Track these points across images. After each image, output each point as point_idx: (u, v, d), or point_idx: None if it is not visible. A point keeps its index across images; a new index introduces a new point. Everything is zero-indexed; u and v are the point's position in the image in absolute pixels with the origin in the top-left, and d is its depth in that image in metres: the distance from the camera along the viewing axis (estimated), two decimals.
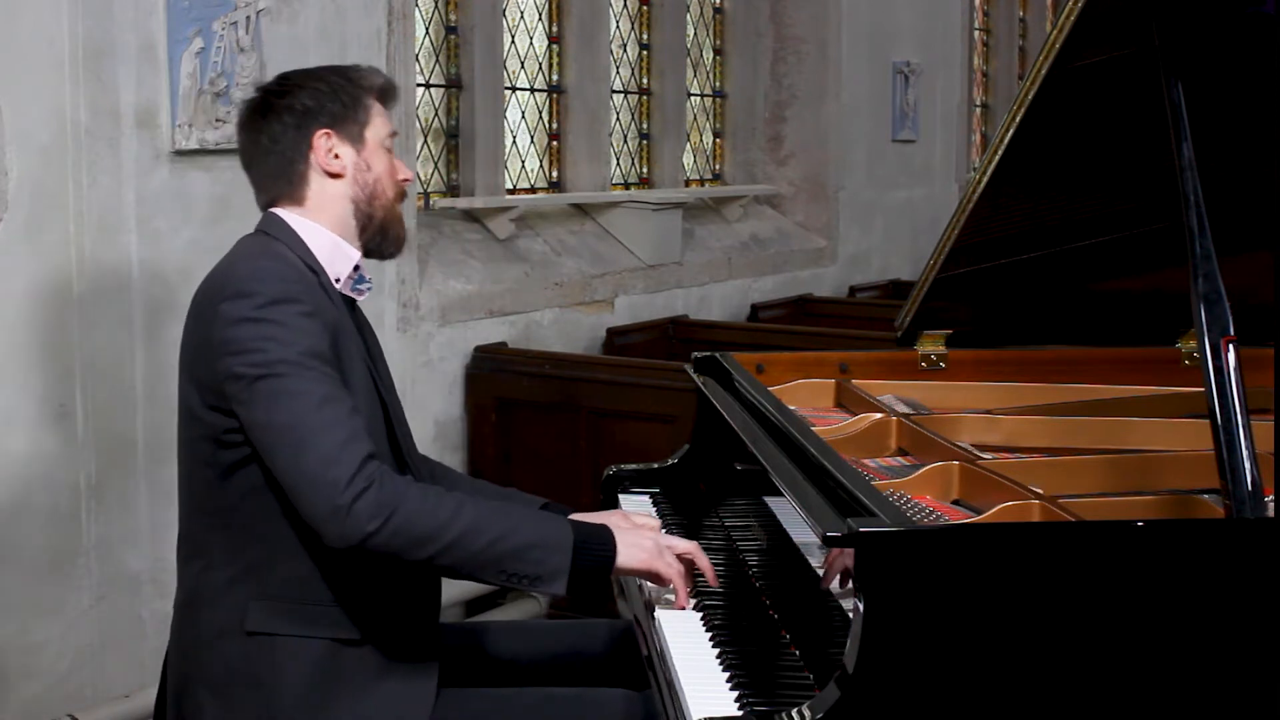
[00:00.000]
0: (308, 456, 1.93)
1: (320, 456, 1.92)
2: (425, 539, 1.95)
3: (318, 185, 2.16)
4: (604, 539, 2.08)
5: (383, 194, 2.19)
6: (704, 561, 2.15)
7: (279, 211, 2.17)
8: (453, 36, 5.08)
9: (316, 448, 1.92)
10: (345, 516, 1.91)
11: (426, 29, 4.97)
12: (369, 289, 2.23)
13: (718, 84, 6.61)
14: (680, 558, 2.13)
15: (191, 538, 2.13)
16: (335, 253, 2.16)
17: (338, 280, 2.16)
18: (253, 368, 1.96)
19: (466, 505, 1.99)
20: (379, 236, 2.21)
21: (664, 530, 2.45)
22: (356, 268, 2.18)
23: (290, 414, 1.94)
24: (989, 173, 2.54)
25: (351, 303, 2.20)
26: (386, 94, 2.22)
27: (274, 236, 2.14)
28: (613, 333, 5.26)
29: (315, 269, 2.11)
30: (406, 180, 2.25)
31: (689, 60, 6.28)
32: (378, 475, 1.94)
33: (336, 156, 2.15)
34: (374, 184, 2.18)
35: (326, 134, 2.14)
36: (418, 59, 4.80)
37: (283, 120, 2.14)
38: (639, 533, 2.14)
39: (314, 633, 2.05)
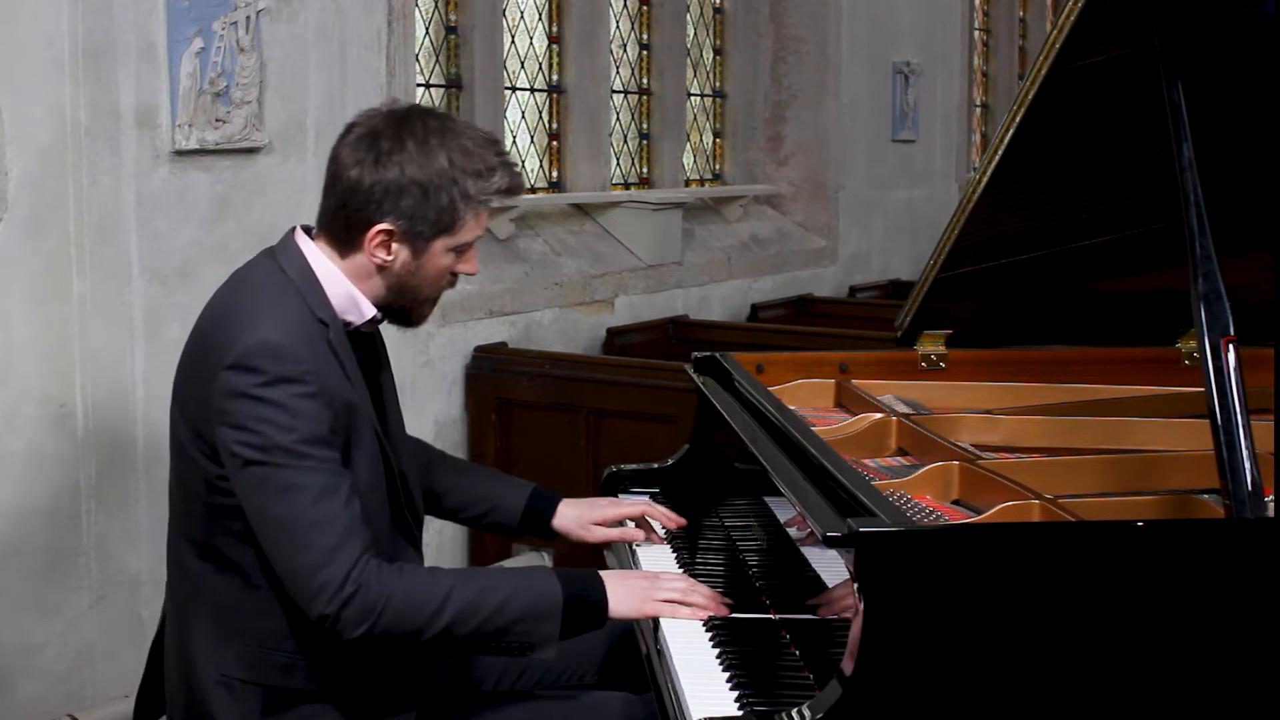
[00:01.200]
0: (300, 557, 1.90)
1: (312, 559, 1.90)
2: (414, 633, 1.95)
3: (361, 260, 2.05)
4: (595, 593, 2.04)
5: (418, 292, 2.09)
6: (699, 596, 2.09)
7: (303, 243, 2.07)
8: (453, 36, 5.08)
9: (309, 549, 1.90)
10: (334, 623, 1.91)
11: (426, 29, 4.97)
12: (384, 319, 2.16)
13: (718, 84, 6.61)
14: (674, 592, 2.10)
15: (179, 562, 2.11)
16: (350, 303, 2.06)
17: (349, 325, 2.07)
18: (249, 449, 1.91)
19: (454, 592, 1.96)
20: (400, 315, 2.13)
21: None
22: (373, 318, 2.10)
23: (284, 508, 1.91)
24: (989, 173, 2.54)
25: (366, 334, 2.14)
26: (507, 194, 2.08)
27: (289, 276, 2.03)
28: (613, 333, 5.26)
29: (326, 320, 2.02)
30: (467, 273, 2.12)
31: (689, 60, 6.28)
32: (364, 579, 1.91)
33: (389, 252, 2.03)
34: (415, 287, 2.07)
35: (388, 232, 2.01)
36: (418, 59, 4.80)
37: (365, 183, 1.99)
38: (630, 578, 2.12)
39: (287, 683, 2.03)
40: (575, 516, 2.41)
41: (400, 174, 1.98)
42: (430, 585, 1.96)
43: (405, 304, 2.10)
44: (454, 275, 2.11)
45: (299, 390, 1.92)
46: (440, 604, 1.95)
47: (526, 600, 1.99)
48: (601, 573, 2.09)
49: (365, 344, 2.14)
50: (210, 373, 1.95)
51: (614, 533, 2.43)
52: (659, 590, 2.08)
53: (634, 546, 2.43)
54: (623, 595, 2.06)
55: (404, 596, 1.93)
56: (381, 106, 2.07)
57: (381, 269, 2.05)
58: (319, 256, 2.06)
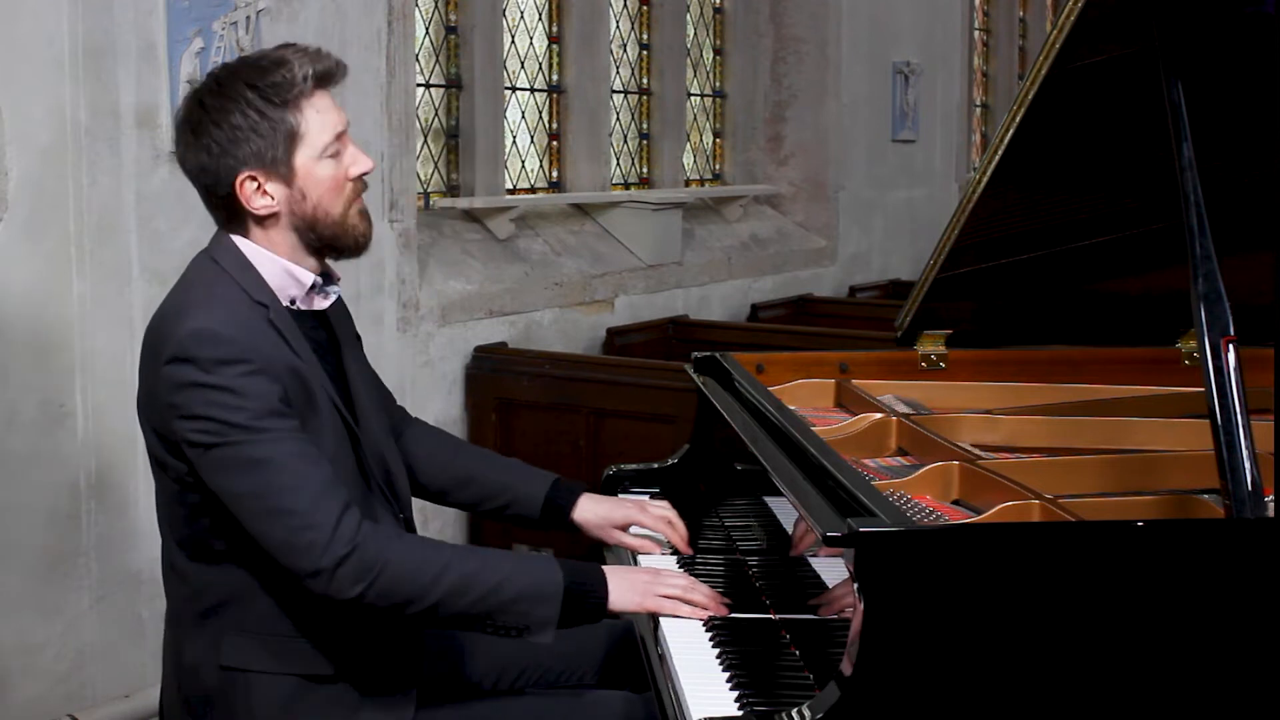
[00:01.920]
0: (280, 523, 1.90)
1: (293, 522, 1.90)
2: (411, 599, 1.94)
3: (254, 223, 2.04)
4: (595, 584, 2.04)
5: (326, 215, 2.04)
6: (699, 595, 2.09)
7: (234, 235, 2.07)
8: (453, 36, 5.08)
9: (288, 514, 1.90)
10: (329, 582, 1.90)
11: (426, 29, 4.97)
12: (336, 292, 2.15)
13: (718, 84, 6.61)
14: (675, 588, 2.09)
15: (170, 565, 2.11)
16: (287, 279, 2.06)
17: (293, 301, 2.07)
18: (206, 435, 1.91)
19: (453, 561, 1.97)
20: (331, 249, 2.09)
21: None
22: (314, 285, 2.09)
23: (253, 482, 1.90)
24: (989, 173, 2.54)
25: (317, 312, 2.12)
26: (324, 80, 2.02)
27: (222, 266, 2.04)
28: (613, 333, 5.26)
29: (264, 301, 2.02)
30: (364, 173, 2.07)
31: (689, 60, 6.28)
32: (359, 540, 1.91)
33: (267, 194, 2.01)
34: (313, 210, 2.03)
35: (251, 177, 2.00)
36: (418, 59, 4.80)
37: (200, 159, 2.01)
38: (631, 573, 2.12)
39: (286, 669, 2.03)
40: (598, 514, 2.38)
41: (217, 128, 1.98)
42: (429, 553, 1.97)
43: (326, 233, 2.06)
44: (355, 182, 2.06)
45: (240, 370, 1.93)
46: (438, 572, 1.94)
47: (526, 581, 1.99)
48: (604, 567, 2.09)
49: (324, 324, 2.14)
50: (155, 371, 1.97)
51: (630, 540, 2.41)
52: (660, 586, 2.08)
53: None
54: (624, 588, 2.05)
55: (401, 561, 1.93)
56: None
57: (274, 216, 2.03)
58: (245, 242, 2.06)
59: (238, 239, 2.06)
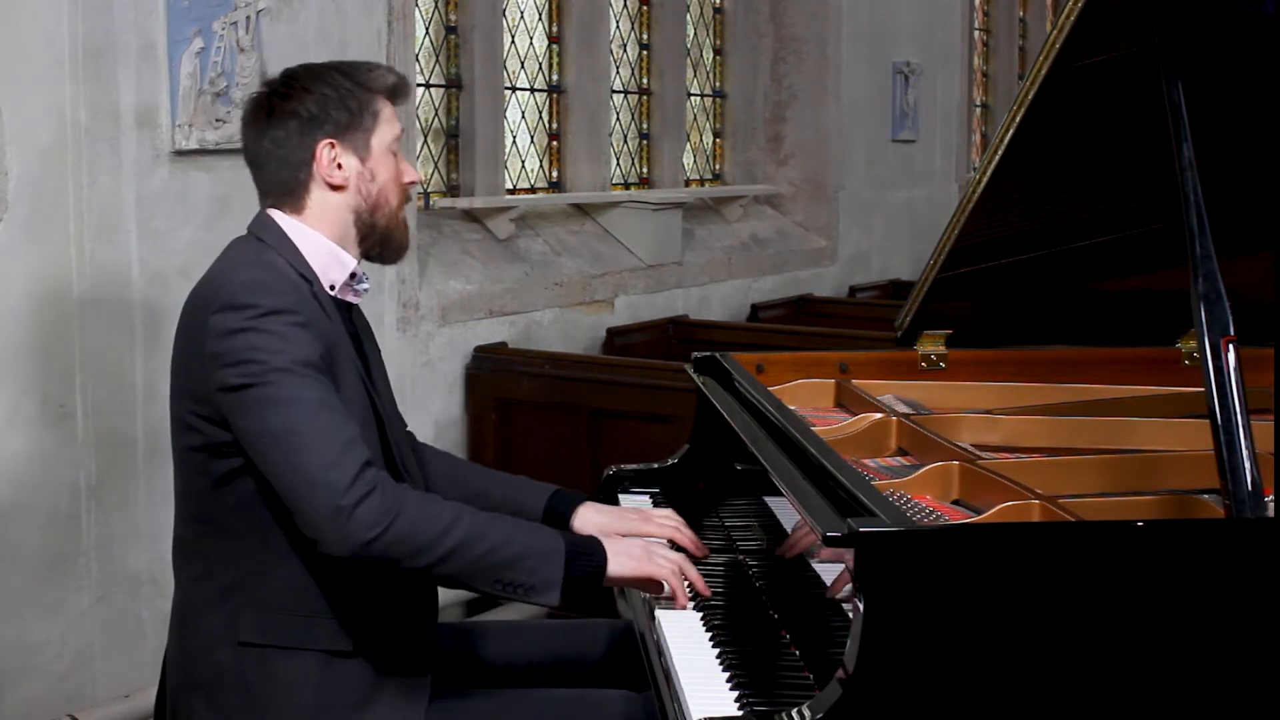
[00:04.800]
0: (306, 459, 1.91)
1: (319, 460, 1.90)
2: (424, 547, 1.95)
3: (319, 195, 2.12)
4: (593, 549, 2.08)
5: (386, 203, 2.15)
6: (692, 572, 2.13)
7: (274, 214, 2.13)
8: (453, 36, 5.08)
9: (315, 451, 1.91)
10: (347, 521, 1.89)
11: (426, 29, 4.97)
12: (366, 290, 2.20)
13: (718, 84, 6.61)
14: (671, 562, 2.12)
15: (185, 545, 2.12)
16: (330, 260, 2.12)
17: (332, 287, 2.12)
18: (245, 376, 1.93)
19: (464, 514, 1.99)
20: (380, 245, 2.18)
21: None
22: (353, 274, 2.15)
23: (286, 420, 1.92)
24: (989, 173, 2.54)
25: (349, 307, 2.18)
26: (397, 93, 2.17)
27: (266, 242, 2.10)
28: (613, 333, 5.26)
29: (308, 277, 2.08)
30: (413, 183, 2.20)
31: (689, 60, 6.28)
32: (379, 482, 1.93)
33: (340, 167, 2.10)
34: (377, 194, 2.14)
35: (330, 144, 2.09)
36: (418, 59, 4.80)
37: (286, 125, 2.09)
38: (628, 540, 2.15)
39: (305, 644, 2.04)
40: (599, 524, 2.35)
41: (309, 94, 2.10)
42: (442, 504, 2.00)
43: (382, 221, 2.16)
44: (405, 187, 2.19)
45: (289, 320, 1.97)
46: (451, 522, 1.96)
47: (532, 539, 2.03)
48: (601, 539, 2.13)
49: (348, 318, 2.17)
50: (201, 328, 1.99)
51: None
52: (656, 558, 2.11)
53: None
54: (621, 554, 2.08)
55: (418, 506, 1.95)
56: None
57: (341, 189, 2.12)
58: (290, 221, 2.12)
59: (283, 218, 2.12)
